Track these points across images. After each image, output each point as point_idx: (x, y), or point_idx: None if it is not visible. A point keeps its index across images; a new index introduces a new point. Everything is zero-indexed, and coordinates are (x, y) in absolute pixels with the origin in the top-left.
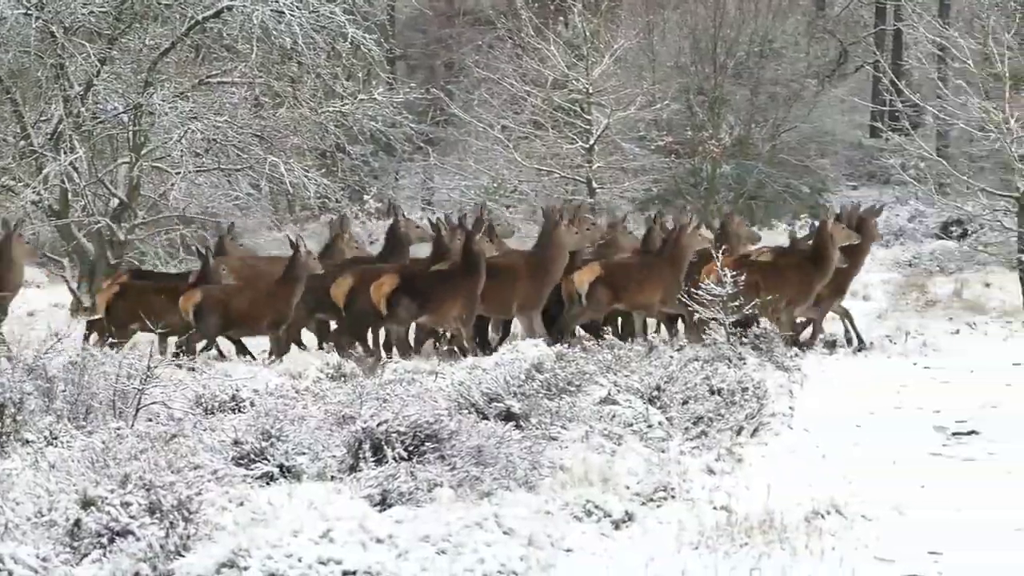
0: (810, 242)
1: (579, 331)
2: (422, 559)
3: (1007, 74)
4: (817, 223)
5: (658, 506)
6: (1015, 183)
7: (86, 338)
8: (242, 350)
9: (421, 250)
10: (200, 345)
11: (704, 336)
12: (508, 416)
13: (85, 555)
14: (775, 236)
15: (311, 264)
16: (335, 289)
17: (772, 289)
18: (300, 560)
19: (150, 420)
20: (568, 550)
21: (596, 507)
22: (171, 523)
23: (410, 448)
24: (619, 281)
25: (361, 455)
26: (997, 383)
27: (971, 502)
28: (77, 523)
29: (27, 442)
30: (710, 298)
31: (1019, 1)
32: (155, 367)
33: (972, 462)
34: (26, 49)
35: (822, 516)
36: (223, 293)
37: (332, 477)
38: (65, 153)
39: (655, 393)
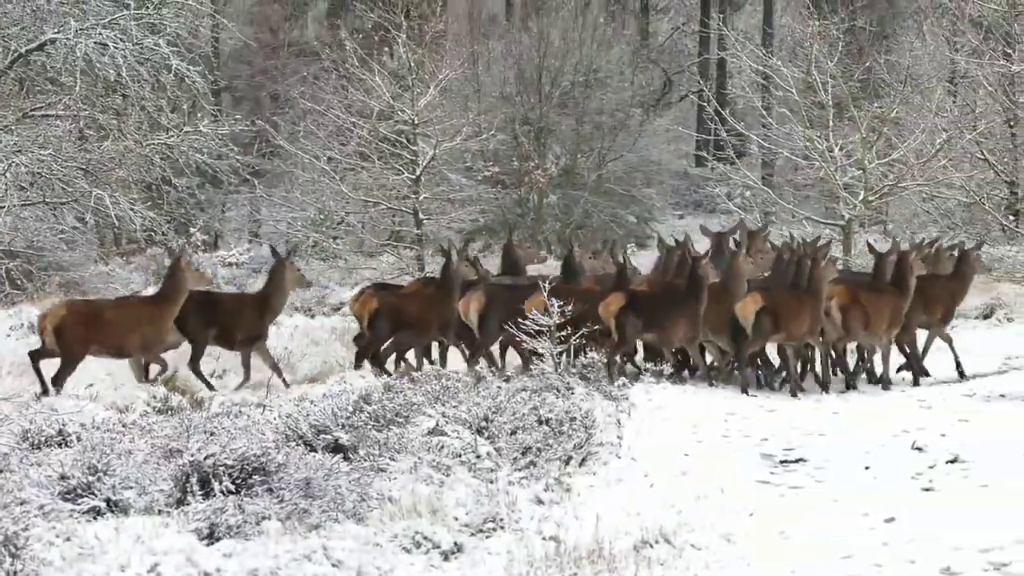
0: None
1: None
2: None
3: (831, 102)
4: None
5: (487, 537)
6: (840, 211)
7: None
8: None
9: None
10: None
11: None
12: (336, 448)
13: None
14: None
15: (464, 271)
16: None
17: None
18: None
19: None
20: None
21: (425, 538)
22: None
23: (238, 481)
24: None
25: (189, 488)
26: (824, 411)
27: (799, 529)
28: None
29: None
30: (537, 328)
31: (840, 29)
32: None
33: (799, 489)
34: None
35: (651, 545)
36: (397, 299)
37: (159, 511)
38: None
39: (483, 423)
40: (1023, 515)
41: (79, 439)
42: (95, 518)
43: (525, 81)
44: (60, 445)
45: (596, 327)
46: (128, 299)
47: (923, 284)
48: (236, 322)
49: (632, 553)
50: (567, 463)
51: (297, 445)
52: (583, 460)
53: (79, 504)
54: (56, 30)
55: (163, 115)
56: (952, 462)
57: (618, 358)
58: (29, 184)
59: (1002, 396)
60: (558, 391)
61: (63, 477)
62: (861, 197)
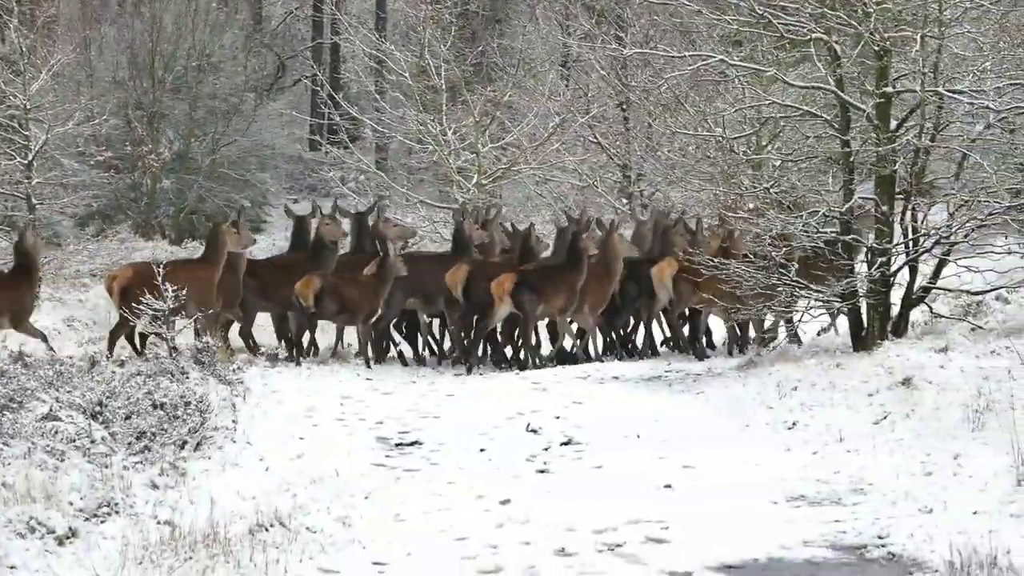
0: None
1: None
2: None
3: (444, 86)
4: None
5: (102, 522)
6: (454, 195)
7: None
8: None
9: None
10: None
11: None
12: None
13: None
14: None
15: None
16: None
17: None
18: None
19: None
20: (11, 567)
21: (39, 523)
22: None
23: None
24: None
25: None
26: (439, 393)
27: (414, 512)
28: None
29: None
30: (152, 312)
31: (454, 14)
32: None
33: (415, 472)
34: None
35: (266, 529)
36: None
37: None
38: None
39: (97, 408)
40: (636, 496)
41: None
42: None
43: (138, 66)
44: None
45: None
46: (184, 261)
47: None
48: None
49: (248, 537)
50: (182, 447)
51: None
52: (198, 444)
53: None
54: None
55: None
56: (566, 444)
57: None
58: None
59: (615, 379)
60: (172, 375)
61: None
62: (475, 181)
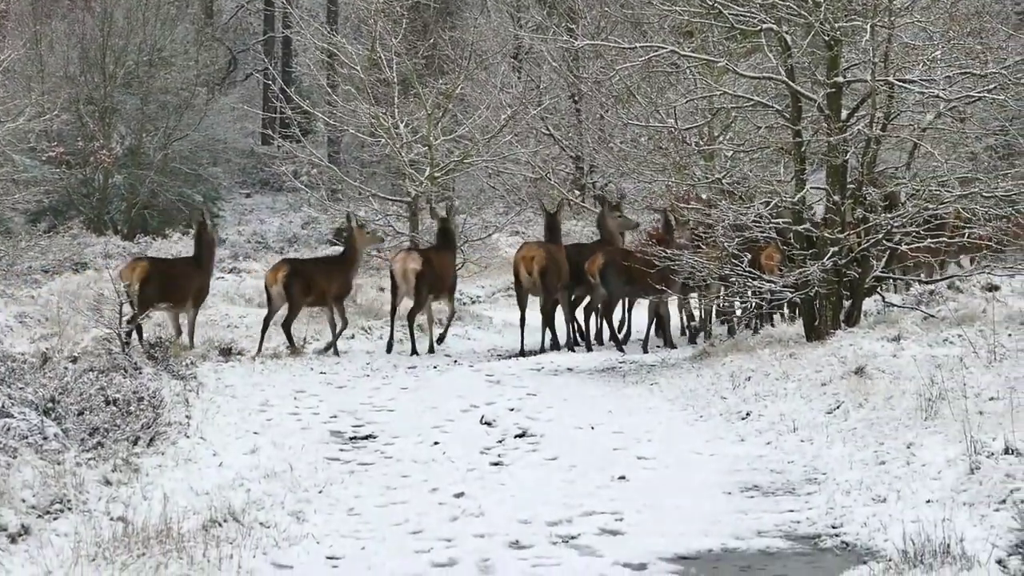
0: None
1: None
2: None
3: (395, 79)
4: None
5: (55, 519)
6: (407, 188)
7: None
8: None
9: None
10: None
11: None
12: None
13: None
14: (169, 245)
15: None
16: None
17: None
18: None
19: None
20: None
21: None
22: None
23: None
24: None
25: None
26: (393, 387)
27: (369, 506)
28: None
29: None
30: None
31: (405, 7)
32: None
33: (369, 466)
34: None
35: (219, 524)
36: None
37: None
38: None
39: (50, 405)
40: (590, 487)
41: None
42: None
43: (89, 61)
44: None
45: None
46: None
47: None
48: None
49: (201, 532)
50: (135, 443)
51: None
52: (151, 440)
53: None
54: None
55: None
56: (521, 436)
57: None
58: None
59: (570, 370)
60: (126, 371)
61: None
62: (427, 174)
